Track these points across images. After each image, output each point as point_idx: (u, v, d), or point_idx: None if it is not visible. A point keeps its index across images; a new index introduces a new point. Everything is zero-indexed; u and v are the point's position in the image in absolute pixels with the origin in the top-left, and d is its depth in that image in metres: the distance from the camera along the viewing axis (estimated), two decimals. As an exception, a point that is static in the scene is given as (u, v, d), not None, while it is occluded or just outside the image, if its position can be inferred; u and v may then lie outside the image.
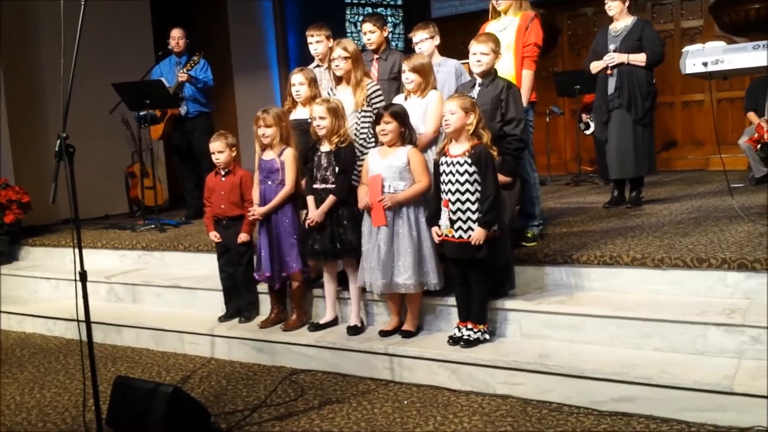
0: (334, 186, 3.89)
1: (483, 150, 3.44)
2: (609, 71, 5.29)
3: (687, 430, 2.91)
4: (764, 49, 3.74)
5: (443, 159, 3.54)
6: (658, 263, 3.61)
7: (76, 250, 2.87)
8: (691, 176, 7.61)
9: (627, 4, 5.34)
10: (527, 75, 4.22)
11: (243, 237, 4.28)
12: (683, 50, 4.08)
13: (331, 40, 4.49)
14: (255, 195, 4.19)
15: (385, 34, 4.52)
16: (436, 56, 4.26)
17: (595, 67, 5.41)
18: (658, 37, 5.56)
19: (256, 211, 4.10)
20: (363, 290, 3.96)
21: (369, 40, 4.47)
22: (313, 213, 3.90)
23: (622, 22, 5.36)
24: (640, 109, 5.23)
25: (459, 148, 3.49)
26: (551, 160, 8.52)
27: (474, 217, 3.44)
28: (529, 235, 4.23)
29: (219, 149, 4.28)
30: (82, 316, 2.87)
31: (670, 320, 3.29)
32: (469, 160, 3.43)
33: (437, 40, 4.25)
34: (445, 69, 4.22)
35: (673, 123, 8.86)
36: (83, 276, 2.89)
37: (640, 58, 5.21)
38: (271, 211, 4.09)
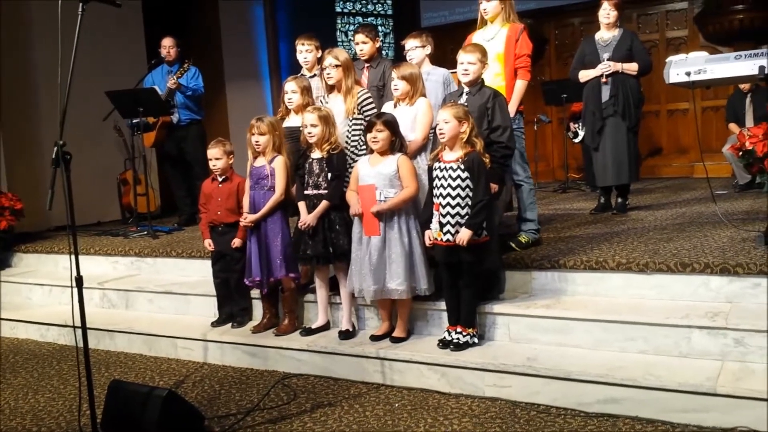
0: (326, 191, 3.96)
1: (476, 157, 3.53)
2: (604, 79, 5.39)
3: (672, 430, 2.97)
4: (746, 59, 3.82)
5: (437, 164, 3.62)
6: (642, 268, 3.69)
7: (73, 257, 2.91)
8: (676, 183, 7.73)
9: (621, 15, 5.46)
10: (522, 84, 4.30)
11: (237, 242, 4.31)
12: (666, 60, 4.16)
13: (320, 50, 4.57)
14: (245, 202, 4.24)
15: (377, 44, 4.62)
16: (426, 65, 4.33)
17: (585, 75, 5.51)
18: (645, 48, 5.68)
19: (248, 218, 4.15)
20: (354, 295, 4.01)
21: (362, 50, 4.56)
22: (306, 217, 3.96)
23: (611, 33, 5.46)
24: (633, 116, 5.37)
25: (453, 155, 3.58)
26: (539, 167, 8.62)
27: (463, 221, 3.52)
28: (522, 240, 4.30)
29: (216, 156, 4.34)
30: (77, 322, 2.91)
31: (655, 323, 3.37)
32: (462, 166, 3.51)
33: (429, 50, 4.32)
34: (434, 78, 4.29)
35: (658, 131, 9.00)
36: (79, 281, 2.93)
37: (632, 67, 5.34)
38: (261, 218, 4.15)
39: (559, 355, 3.46)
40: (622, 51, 5.37)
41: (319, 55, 4.56)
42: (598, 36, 5.54)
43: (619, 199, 5.60)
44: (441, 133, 3.57)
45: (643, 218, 5.20)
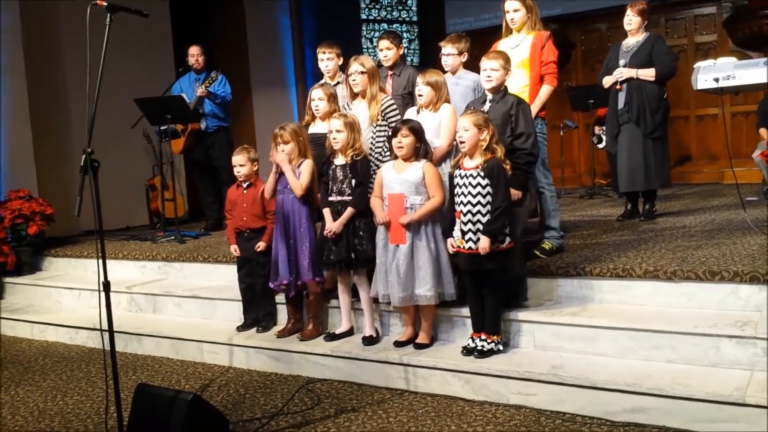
0: (350, 198, 3.97)
1: (496, 164, 3.52)
2: (618, 86, 5.35)
3: (699, 440, 2.94)
4: (775, 64, 3.78)
5: (457, 172, 3.62)
6: (670, 276, 3.64)
7: (100, 261, 2.96)
8: (706, 190, 7.62)
9: (645, 22, 5.41)
10: (547, 90, 4.26)
11: (261, 245, 4.36)
12: (695, 66, 4.13)
13: (341, 58, 4.60)
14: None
15: (401, 51, 4.63)
16: (460, 69, 4.33)
17: (606, 82, 5.49)
18: (670, 51, 5.61)
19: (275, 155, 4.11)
20: (375, 301, 4.02)
21: (386, 56, 4.57)
22: (332, 224, 3.97)
23: (635, 38, 5.42)
24: (649, 123, 5.29)
25: (473, 162, 3.57)
26: (565, 173, 8.56)
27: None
28: (546, 246, 4.28)
29: (241, 163, 4.39)
30: (105, 326, 2.95)
31: (683, 332, 3.32)
32: (482, 173, 3.51)
33: (465, 57, 4.29)
34: (464, 83, 4.27)
35: (687, 137, 8.89)
36: (107, 286, 2.97)
37: (649, 73, 5.27)
38: (282, 171, 4.11)
39: (585, 364, 3.43)
40: (642, 57, 5.31)
41: (340, 62, 4.59)
42: (624, 42, 5.50)
43: (646, 206, 5.53)
44: (461, 141, 3.57)
45: (671, 225, 5.13)
